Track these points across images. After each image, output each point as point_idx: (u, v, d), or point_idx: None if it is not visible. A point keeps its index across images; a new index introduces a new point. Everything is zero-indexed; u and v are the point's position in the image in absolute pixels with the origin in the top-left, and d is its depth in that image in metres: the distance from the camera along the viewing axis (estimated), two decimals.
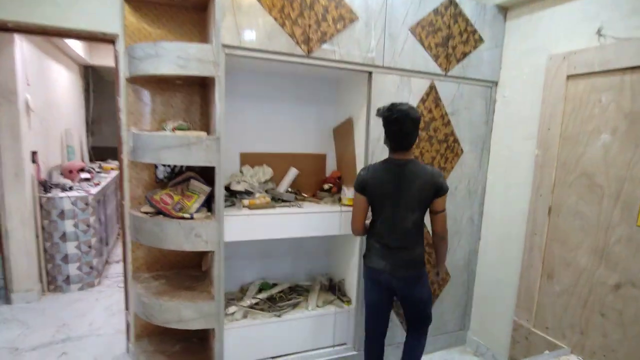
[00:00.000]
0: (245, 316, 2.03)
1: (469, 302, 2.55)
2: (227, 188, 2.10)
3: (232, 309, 2.03)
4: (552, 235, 2.02)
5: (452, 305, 2.48)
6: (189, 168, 2.15)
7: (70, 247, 3.02)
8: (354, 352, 2.20)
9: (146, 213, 1.90)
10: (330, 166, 2.53)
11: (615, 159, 1.73)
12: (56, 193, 3.01)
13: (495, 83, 2.36)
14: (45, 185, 3.04)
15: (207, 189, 1.93)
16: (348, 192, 2.12)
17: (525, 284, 2.13)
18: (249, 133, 2.31)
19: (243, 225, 1.91)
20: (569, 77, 1.94)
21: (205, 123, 2.19)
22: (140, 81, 2.01)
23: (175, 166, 2.15)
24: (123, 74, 1.95)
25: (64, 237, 2.99)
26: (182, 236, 1.78)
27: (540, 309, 2.06)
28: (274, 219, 1.97)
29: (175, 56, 1.67)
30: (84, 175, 3.57)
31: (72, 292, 3.06)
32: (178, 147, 1.73)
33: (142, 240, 1.88)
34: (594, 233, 1.82)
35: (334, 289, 2.35)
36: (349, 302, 2.23)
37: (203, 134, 1.83)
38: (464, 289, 2.51)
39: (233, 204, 2.00)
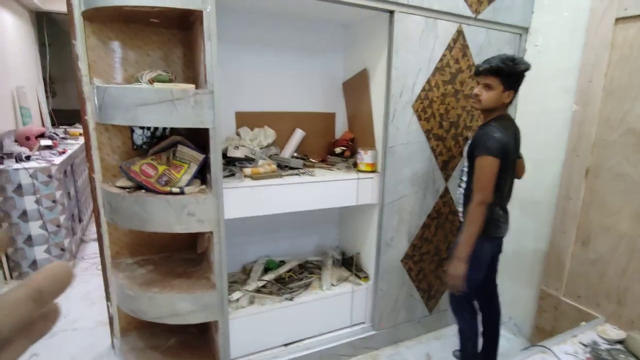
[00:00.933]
0: (251, 302, 1.76)
1: None
2: (223, 155, 1.74)
3: (236, 294, 1.75)
4: (588, 199, 1.85)
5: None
6: (173, 131, 1.77)
7: (34, 228, 2.60)
8: (373, 332, 2.00)
9: (123, 188, 1.54)
10: (340, 127, 2.19)
11: None
12: (9, 164, 2.54)
13: (526, 30, 2.06)
14: None
15: (200, 156, 1.58)
16: (365, 156, 1.82)
17: (555, 251, 1.98)
18: (246, 88, 1.91)
19: (246, 199, 1.58)
20: (617, 20, 1.69)
21: (190, 76, 1.78)
22: (102, 19, 1.55)
23: (155, 129, 1.76)
24: (78, 8, 1.49)
25: (24, 216, 2.56)
26: (171, 216, 1.45)
27: (572, 277, 1.92)
28: (283, 190, 1.65)
29: None
30: (44, 142, 3.06)
31: None
32: (159, 103, 1.37)
33: (120, 222, 1.54)
34: (639, 197, 1.65)
35: (347, 264, 2.11)
36: (366, 277, 2.00)
37: (190, 86, 1.45)
38: None
39: (232, 174, 1.65)
